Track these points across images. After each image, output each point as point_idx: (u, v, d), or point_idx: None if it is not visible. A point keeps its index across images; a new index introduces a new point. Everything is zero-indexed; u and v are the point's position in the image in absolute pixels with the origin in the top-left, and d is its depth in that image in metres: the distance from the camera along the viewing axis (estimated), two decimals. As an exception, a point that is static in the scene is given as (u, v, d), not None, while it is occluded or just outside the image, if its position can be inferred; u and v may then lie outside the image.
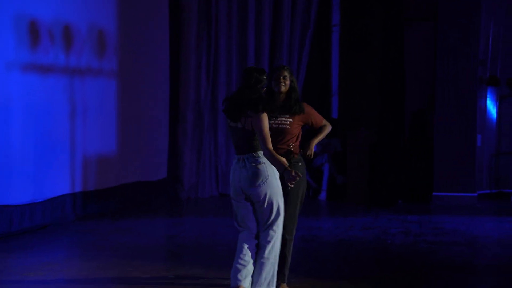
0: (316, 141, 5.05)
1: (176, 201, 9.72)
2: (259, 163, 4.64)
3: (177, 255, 6.41)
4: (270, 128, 4.74)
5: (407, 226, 7.71)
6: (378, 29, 10.33)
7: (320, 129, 5.10)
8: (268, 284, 4.70)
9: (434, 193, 9.50)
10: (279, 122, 4.93)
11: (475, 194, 9.48)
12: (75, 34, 8.01)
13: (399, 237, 7.08)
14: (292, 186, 4.55)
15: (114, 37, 8.75)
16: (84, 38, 8.18)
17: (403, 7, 10.03)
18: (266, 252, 4.69)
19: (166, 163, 9.84)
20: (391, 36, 10.07)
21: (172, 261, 6.02)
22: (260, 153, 4.66)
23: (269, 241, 4.69)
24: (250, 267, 4.69)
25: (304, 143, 5.05)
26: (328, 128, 5.11)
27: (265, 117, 4.60)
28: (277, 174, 4.68)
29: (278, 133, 4.91)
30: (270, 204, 4.69)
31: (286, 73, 4.92)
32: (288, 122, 4.93)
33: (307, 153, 5.00)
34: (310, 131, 5.17)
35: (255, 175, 4.62)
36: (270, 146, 4.58)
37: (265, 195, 4.65)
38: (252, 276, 4.71)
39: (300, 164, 4.99)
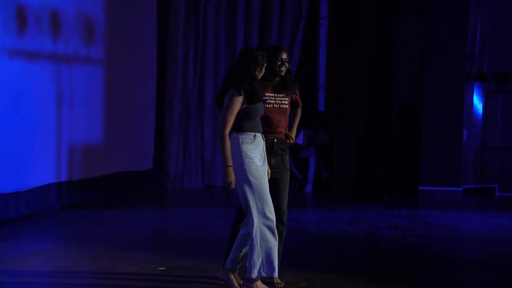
0: (296, 126, 5.05)
1: (162, 191, 9.65)
2: (231, 143, 4.61)
3: (167, 246, 6.33)
4: (272, 109, 4.73)
5: (395, 221, 7.71)
6: (367, 24, 10.30)
7: (294, 114, 5.11)
8: (259, 270, 4.64)
9: (420, 187, 9.53)
10: (280, 102, 4.89)
11: (461, 189, 9.52)
12: (62, 20, 7.88)
13: (387, 231, 7.07)
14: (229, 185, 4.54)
15: (102, 24, 8.63)
16: (71, 25, 8.05)
17: (393, 2, 10.02)
18: (250, 239, 4.63)
19: (152, 153, 9.76)
20: (380, 30, 10.06)
21: (162, 253, 5.94)
22: (235, 134, 4.61)
23: (250, 230, 4.61)
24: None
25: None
26: (300, 111, 5.14)
27: (236, 100, 4.55)
28: (251, 158, 4.57)
29: (281, 113, 4.87)
30: (239, 190, 4.63)
31: (285, 55, 4.86)
32: (286, 102, 4.93)
33: (291, 141, 4.96)
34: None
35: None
36: (226, 132, 4.55)
37: (235, 179, 4.59)
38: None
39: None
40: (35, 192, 7.47)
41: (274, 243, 4.62)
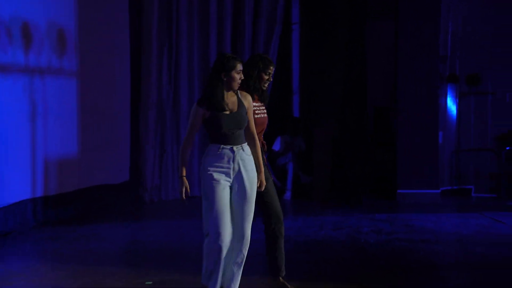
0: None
1: (139, 204, 9.50)
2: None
3: (148, 260, 6.21)
4: (259, 120, 4.65)
5: (377, 225, 7.69)
6: (339, 27, 10.31)
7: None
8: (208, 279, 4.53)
9: (398, 191, 9.54)
10: (261, 111, 4.82)
11: (439, 191, 9.57)
12: (33, 32, 7.71)
13: (372, 236, 7.05)
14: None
15: (73, 35, 8.47)
16: (43, 36, 7.89)
17: (365, 4, 10.05)
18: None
19: (128, 165, 9.61)
20: (353, 34, 10.08)
21: (144, 267, 5.82)
22: (209, 146, 4.49)
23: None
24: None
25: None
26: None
27: (195, 111, 4.43)
28: (208, 172, 4.40)
29: (262, 123, 4.80)
30: None
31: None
32: (265, 111, 4.87)
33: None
34: None
35: None
36: (185, 144, 4.47)
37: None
38: None
39: None
40: (11, 209, 7.28)
41: (217, 262, 4.44)
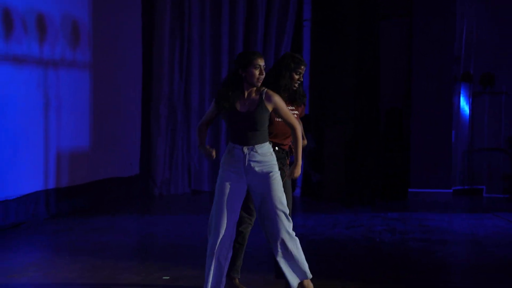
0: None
1: (148, 197, 9.47)
2: None
3: (165, 255, 6.14)
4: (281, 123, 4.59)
5: (390, 224, 7.64)
6: (352, 25, 10.20)
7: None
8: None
9: (410, 189, 9.50)
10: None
11: (451, 190, 9.52)
12: (48, 24, 7.66)
13: (386, 235, 7.00)
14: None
15: (87, 28, 8.42)
16: (57, 28, 7.83)
17: (379, 3, 9.97)
18: None
19: (138, 159, 9.58)
20: (366, 32, 9.99)
21: (161, 262, 5.76)
22: (228, 144, 4.49)
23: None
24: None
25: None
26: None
27: (212, 104, 4.47)
28: (222, 169, 4.42)
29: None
30: None
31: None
32: (296, 114, 4.74)
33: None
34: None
35: None
36: (200, 125, 4.55)
37: None
38: None
39: None
40: (23, 201, 7.24)
41: (209, 260, 4.45)
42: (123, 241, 6.66)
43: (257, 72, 4.35)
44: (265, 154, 4.39)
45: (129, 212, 8.33)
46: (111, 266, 5.57)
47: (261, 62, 4.36)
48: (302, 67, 4.64)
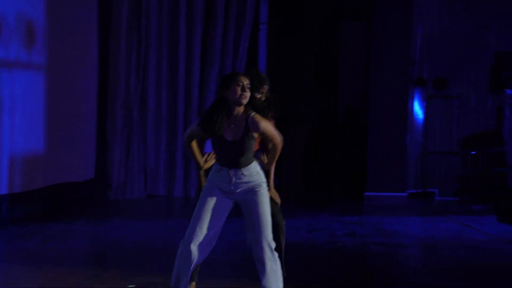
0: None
1: (104, 202, 9.29)
2: None
3: (126, 261, 6.02)
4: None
5: (350, 227, 7.70)
6: (310, 28, 10.27)
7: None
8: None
9: (366, 193, 9.59)
10: None
11: (406, 194, 9.66)
12: (3, 24, 7.43)
13: (347, 239, 7.04)
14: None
15: (43, 28, 8.21)
16: (12, 29, 7.61)
17: (337, 6, 10.05)
18: None
19: (93, 163, 9.39)
20: (324, 35, 10.06)
21: (124, 269, 5.64)
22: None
23: None
24: None
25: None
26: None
27: (194, 126, 4.34)
28: (208, 181, 4.37)
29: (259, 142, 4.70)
30: None
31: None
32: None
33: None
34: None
35: None
36: (185, 140, 4.45)
37: None
38: None
39: None
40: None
41: (181, 262, 4.34)
42: (85, 247, 6.54)
43: (239, 89, 4.22)
44: (252, 174, 4.33)
45: (84, 218, 8.16)
46: (74, 274, 5.44)
47: (244, 81, 4.23)
48: (265, 86, 4.58)
